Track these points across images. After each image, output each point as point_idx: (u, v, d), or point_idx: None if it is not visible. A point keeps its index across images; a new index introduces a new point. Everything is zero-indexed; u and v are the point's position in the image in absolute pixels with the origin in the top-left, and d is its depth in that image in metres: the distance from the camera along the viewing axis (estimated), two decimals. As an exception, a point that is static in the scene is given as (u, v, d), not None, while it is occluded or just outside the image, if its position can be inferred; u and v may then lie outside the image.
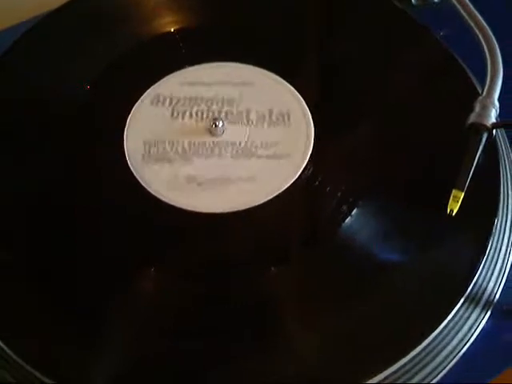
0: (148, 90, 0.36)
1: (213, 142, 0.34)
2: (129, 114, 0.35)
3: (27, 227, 0.31)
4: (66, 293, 0.30)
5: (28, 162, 0.34)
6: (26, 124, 0.35)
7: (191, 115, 0.35)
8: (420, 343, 0.28)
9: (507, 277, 0.31)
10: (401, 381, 0.28)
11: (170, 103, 0.35)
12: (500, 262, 0.31)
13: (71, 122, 0.35)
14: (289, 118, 0.34)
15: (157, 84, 0.36)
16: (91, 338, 0.28)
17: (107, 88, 0.36)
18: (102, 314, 0.29)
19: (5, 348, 0.28)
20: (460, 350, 0.29)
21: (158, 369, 0.27)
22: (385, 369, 0.27)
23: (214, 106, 0.35)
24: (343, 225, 0.31)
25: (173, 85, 0.36)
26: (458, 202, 0.30)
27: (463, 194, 0.30)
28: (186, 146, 0.34)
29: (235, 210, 0.31)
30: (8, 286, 0.30)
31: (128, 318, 0.29)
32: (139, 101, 0.35)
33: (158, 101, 0.35)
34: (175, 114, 0.35)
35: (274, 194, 0.32)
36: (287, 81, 0.36)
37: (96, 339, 0.28)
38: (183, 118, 0.35)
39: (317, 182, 0.32)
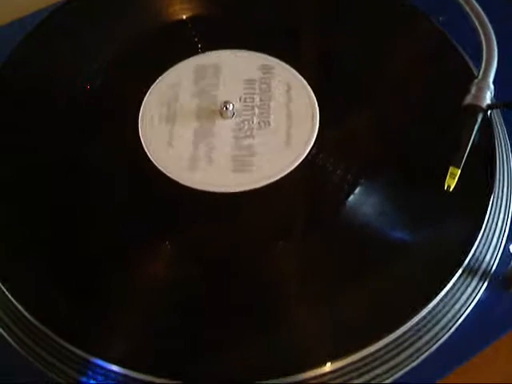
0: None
1: (213, 116, 0.35)
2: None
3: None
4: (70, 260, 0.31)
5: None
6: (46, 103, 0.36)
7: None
8: (419, 312, 0.29)
9: (503, 248, 0.32)
10: (399, 350, 0.29)
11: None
12: (497, 234, 0.32)
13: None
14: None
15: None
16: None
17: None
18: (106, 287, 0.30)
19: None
20: (457, 320, 0.30)
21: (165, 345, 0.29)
22: (382, 338, 0.28)
23: (256, 110, 0.35)
24: (347, 203, 0.32)
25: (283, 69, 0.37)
26: (454, 178, 0.31)
27: (460, 170, 0.31)
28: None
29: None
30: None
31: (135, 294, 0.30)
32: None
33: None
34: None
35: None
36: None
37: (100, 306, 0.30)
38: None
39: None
